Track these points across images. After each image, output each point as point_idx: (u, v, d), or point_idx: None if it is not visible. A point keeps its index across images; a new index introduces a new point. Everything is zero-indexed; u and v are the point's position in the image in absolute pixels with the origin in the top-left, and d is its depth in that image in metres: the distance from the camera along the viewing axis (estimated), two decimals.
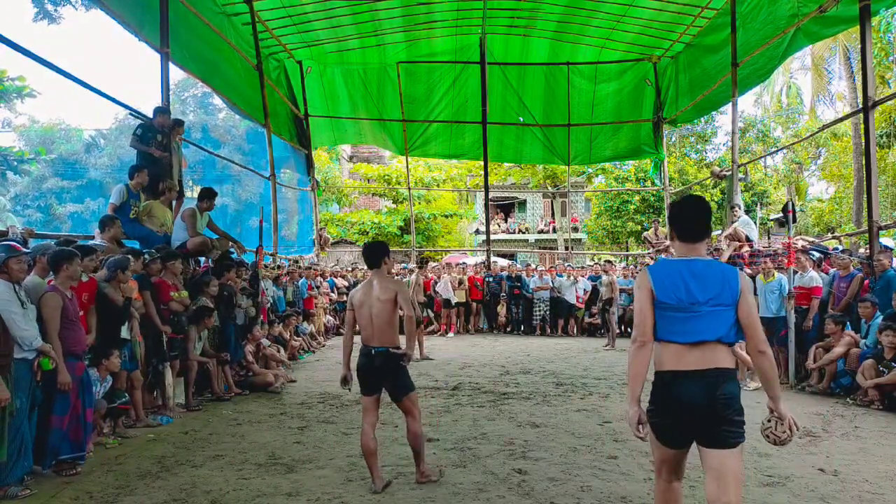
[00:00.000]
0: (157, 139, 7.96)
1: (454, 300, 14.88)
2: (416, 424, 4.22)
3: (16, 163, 21.88)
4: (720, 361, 2.69)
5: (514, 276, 15.53)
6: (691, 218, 2.81)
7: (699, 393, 2.65)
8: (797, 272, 8.24)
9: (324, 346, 12.63)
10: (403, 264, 18.35)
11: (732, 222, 10.73)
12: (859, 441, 5.31)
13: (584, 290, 14.79)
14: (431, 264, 19.47)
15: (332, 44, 15.18)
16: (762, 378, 2.89)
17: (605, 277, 13.40)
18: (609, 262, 13.31)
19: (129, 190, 7.30)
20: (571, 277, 14.69)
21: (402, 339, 4.26)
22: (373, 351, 4.19)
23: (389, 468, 4.59)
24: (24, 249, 4.64)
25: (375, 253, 4.43)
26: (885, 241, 9.33)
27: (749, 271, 9.30)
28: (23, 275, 4.44)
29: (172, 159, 8.16)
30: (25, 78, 18.94)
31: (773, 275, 8.06)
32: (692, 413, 2.67)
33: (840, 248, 10.70)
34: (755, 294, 8.28)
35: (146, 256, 6.48)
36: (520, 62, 16.57)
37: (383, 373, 4.17)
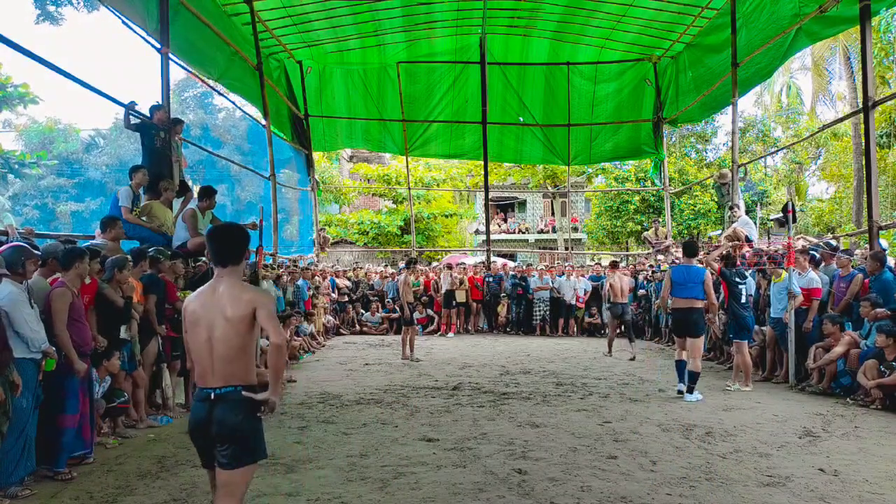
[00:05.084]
0: (160, 136, 7.97)
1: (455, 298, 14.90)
2: None
3: (17, 165, 21.87)
4: (696, 304, 7.19)
5: (518, 276, 15.52)
6: (688, 248, 7.58)
7: (687, 315, 7.22)
8: (797, 271, 8.23)
9: (324, 346, 12.64)
10: (403, 264, 18.32)
11: (732, 222, 10.73)
12: (859, 441, 5.31)
13: (585, 290, 14.80)
14: (433, 264, 19.49)
15: (332, 44, 15.19)
16: (710, 308, 7.92)
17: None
18: (615, 264, 12.06)
19: (132, 191, 7.34)
20: (572, 277, 14.70)
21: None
22: (212, 394, 2.76)
23: (389, 468, 4.58)
24: (36, 251, 4.69)
25: (231, 242, 2.89)
26: (881, 241, 9.30)
27: (750, 271, 9.31)
28: (32, 276, 4.47)
29: (172, 158, 8.17)
30: (29, 84, 19.01)
31: (782, 276, 8.06)
32: (684, 322, 7.29)
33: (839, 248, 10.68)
34: (767, 295, 8.79)
35: (155, 255, 6.47)
36: (520, 62, 16.57)
37: (227, 428, 2.72)
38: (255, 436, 2.81)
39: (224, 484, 2.77)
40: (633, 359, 10.50)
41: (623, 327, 11.36)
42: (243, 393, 2.77)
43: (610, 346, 11.17)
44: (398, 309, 11.11)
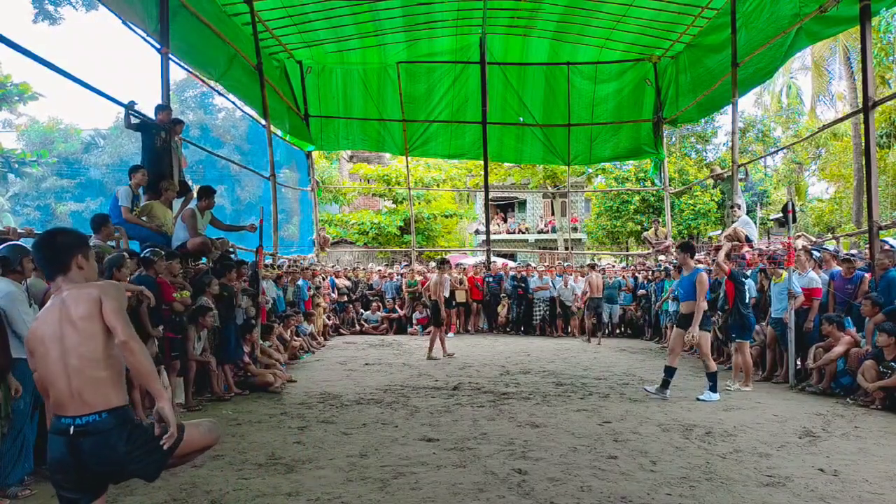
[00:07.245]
0: (160, 135, 7.99)
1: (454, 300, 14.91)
2: None
3: (17, 165, 21.92)
4: None
5: (519, 276, 15.51)
6: (686, 247, 7.27)
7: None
8: (797, 271, 8.23)
9: (324, 346, 12.63)
10: (403, 263, 18.31)
11: (732, 222, 10.74)
12: (859, 441, 5.31)
13: (584, 290, 14.80)
14: (432, 264, 19.49)
15: (332, 44, 15.20)
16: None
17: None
18: (592, 265, 14.26)
19: (132, 190, 7.35)
20: (569, 284, 14.82)
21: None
22: (71, 427, 2.30)
23: (389, 468, 4.58)
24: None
25: (52, 250, 2.45)
26: (888, 240, 9.30)
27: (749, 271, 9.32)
28: (31, 274, 4.46)
29: (172, 159, 8.18)
30: (28, 84, 19.04)
31: (783, 276, 8.06)
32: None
33: (838, 248, 10.69)
34: (769, 295, 8.79)
35: (147, 255, 6.46)
36: (520, 62, 16.58)
37: (115, 464, 2.38)
38: (152, 451, 2.48)
39: None
40: (588, 341, 13.16)
41: (596, 318, 13.55)
42: (109, 415, 2.34)
43: (589, 334, 13.44)
44: (429, 309, 11.22)
